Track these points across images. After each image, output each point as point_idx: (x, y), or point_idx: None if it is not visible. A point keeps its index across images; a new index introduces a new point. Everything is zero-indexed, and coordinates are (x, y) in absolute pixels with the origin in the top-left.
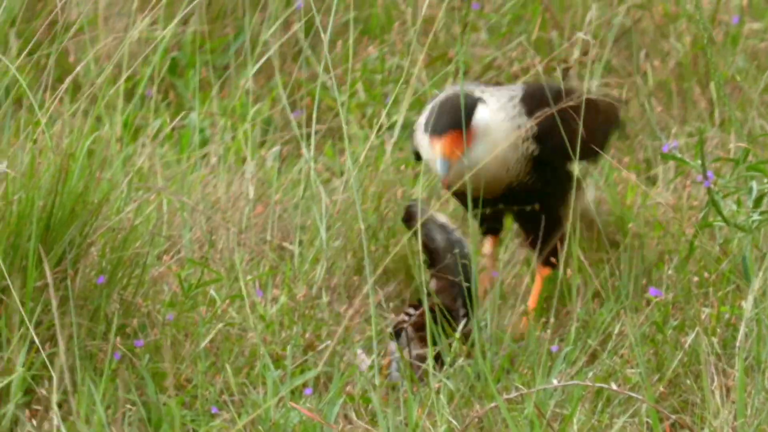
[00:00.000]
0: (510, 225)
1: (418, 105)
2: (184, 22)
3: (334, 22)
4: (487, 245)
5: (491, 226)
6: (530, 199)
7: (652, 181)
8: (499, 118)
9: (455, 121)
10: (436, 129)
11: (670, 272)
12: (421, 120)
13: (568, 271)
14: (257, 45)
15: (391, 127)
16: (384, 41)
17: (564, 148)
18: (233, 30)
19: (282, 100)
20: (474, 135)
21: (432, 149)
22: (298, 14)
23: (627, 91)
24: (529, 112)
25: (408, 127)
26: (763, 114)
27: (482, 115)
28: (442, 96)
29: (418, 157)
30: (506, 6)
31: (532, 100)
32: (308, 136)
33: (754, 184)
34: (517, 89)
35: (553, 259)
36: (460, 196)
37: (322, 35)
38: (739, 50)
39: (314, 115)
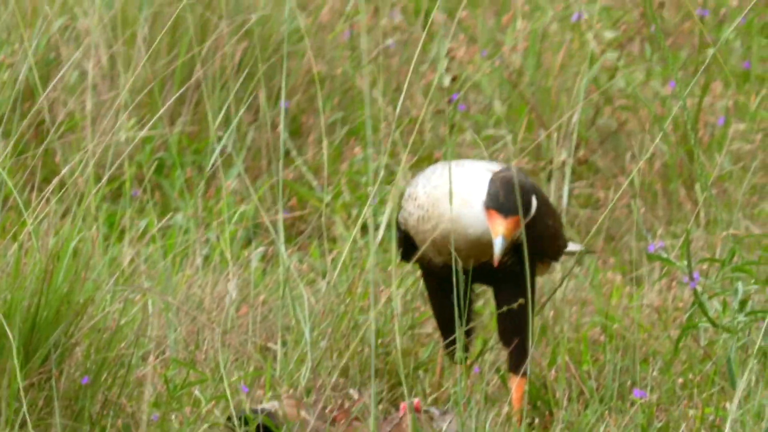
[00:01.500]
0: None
1: None
2: (171, 122)
3: (321, 122)
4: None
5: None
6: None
7: (637, 282)
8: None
9: (523, 206)
10: (503, 208)
11: (654, 373)
12: (412, 190)
13: (552, 373)
14: (243, 145)
15: (376, 228)
16: (370, 143)
17: (543, 240)
18: (220, 130)
19: (268, 200)
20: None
21: (492, 225)
22: (285, 114)
23: (612, 191)
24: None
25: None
26: (748, 215)
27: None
28: (504, 173)
29: (404, 239)
30: (492, 107)
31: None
32: (295, 236)
33: (739, 285)
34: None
35: (525, 370)
36: (442, 268)
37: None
38: (724, 151)
39: (278, 215)
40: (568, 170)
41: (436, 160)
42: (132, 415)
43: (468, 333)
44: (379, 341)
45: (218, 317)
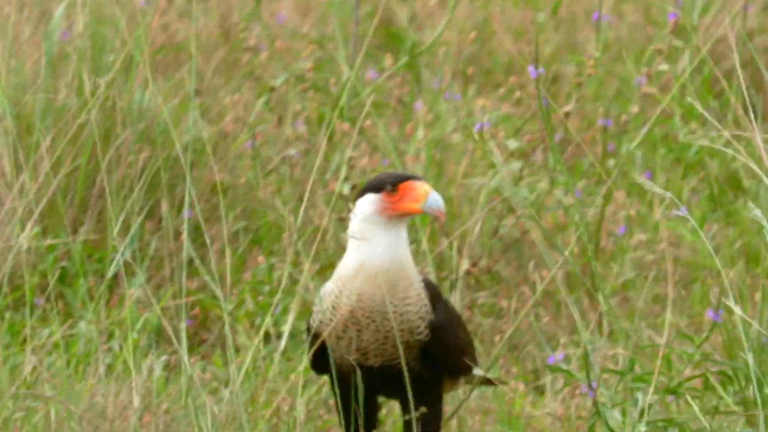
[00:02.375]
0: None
1: (305, 314)
2: (74, 231)
3: (224, 231)
4: None
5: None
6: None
7: (540, 391)
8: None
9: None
10: (403, 177)
11: None
12: (322, 291)
13: None
14: (147, 254)
15: (279, 337)
16: (273, 252)
17: (451, 351)
18: (122, 239)
19: (171, 309)
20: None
21: (416, 188)
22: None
23: (515, 301)
24: (431, 299)
25: (296, 336)
26: (650, 324)
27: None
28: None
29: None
30: None
31: (431, 290)
32: (198, 344)
33: (639, 395)
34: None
35: None
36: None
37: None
38: (626, 261)
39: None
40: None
41: None
42: None
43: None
44: None
45: (121, 426)
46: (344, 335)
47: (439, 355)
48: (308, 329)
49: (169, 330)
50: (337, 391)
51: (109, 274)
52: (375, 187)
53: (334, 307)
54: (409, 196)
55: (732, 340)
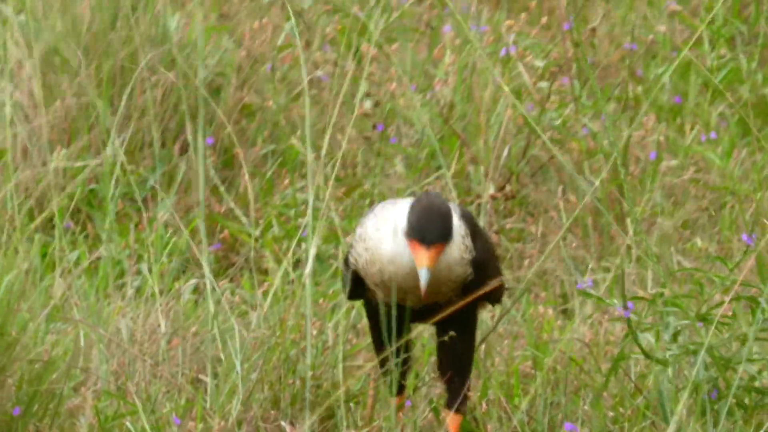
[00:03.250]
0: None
1: (332, 239)
2: (103, 152)
3: (252, 155)
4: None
5: (398, 379)
6: (447, 325)
7: (568, 316)
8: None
9: (443, 233)
10: (424, 238)
11: (585, 407)
12: (361, 231)
13: (483, 405)
14: (175, 177)
15: (306, 260)
16: (301, 175)
17: (490, 282)
18: (151, 162)
19: (199, 233)
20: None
21: (416, 256)
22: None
23: (543, 226)
24: (471, 235)
25: (323, 260)
26: (680, 250)
27: (456, 225)
28: (422, 201)
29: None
30: (423, 140)
31: (469, 223)
32: (227, 268)
33: (671, 319)
34: (453, 206)
35: (462, 408)
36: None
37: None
38: (656, 186)
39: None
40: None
41: (365, 192)
42: None
43: (405, 363)
44: (311, 374)
45: (149, 349)
46: (382, 284)
47: (479, 287)
48: (346, 262)
49: (198, 253)
50: (371, 319)
51: (142, 197)
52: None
53: (368, 261)
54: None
55: (765, 265)
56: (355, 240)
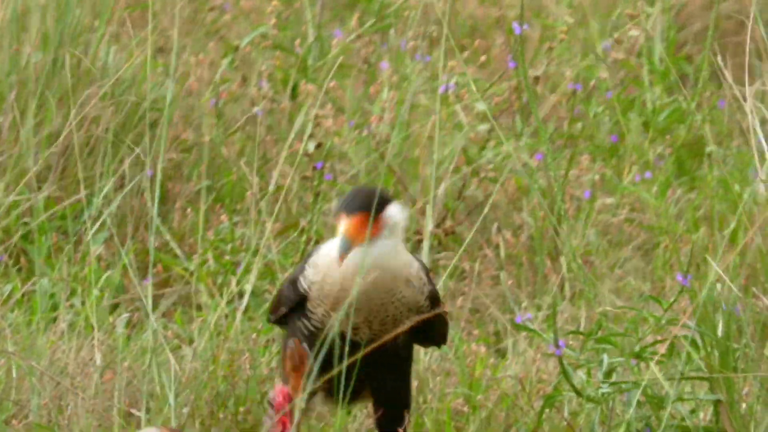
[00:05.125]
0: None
1: (268, 275)
2: (38, 187)
3: (186, 190)
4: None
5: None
6: (385, 358)
7: (501, 353)
8: (403, 250)
9: (367, 204)
10: (347, 208)
11: None
12: (314, 257)
13: None
14: (109, 211)
15: (240, 296)
16: (236, 210)
17: (439, 321)
18: (86, 197)
19: (132, 267)
20: (381, 226)
21: (337, 227)
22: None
23: (478, 263)
24: (425, 272)
25: (258, 295)
26: (613, 289)
27: (395, 211)
28: (320, 249)
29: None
30: (359, 176)
31: (422, 264)
32: (156, 304)
33: (604, 356)
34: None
35: None
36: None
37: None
38: (590, 225)
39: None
40: (431, 242)
41: (302, 229)
42: None
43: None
44: (241, 408)
45: (82, 383)
46: (336, 304)
47: (431, 325)
48: (294, 282)
49: (135, 286)
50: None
51: (76, 230)
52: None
53: (325, 288)
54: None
55: (702, 305)
56: (307, 265)
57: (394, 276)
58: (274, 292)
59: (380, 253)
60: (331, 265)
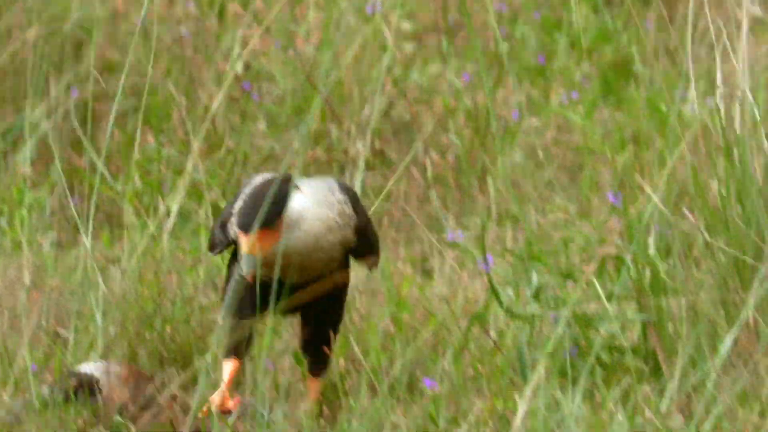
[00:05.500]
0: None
1: (195, 195)
2: None
3: (114, 110)
4: (228, 370)
5: (239, 344)
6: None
7: (428, 274)
8: (316, 205)
9: (265, 217)
10: (244, 226)
11: (445, 365)
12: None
13: (341, 362)
14: (35, 131)
15: (168, 215)
16: (162, 131)
17: (371, 246)
18: (12, 116)
19: (59, 187)
20: (287, 225)
21: (240, 243)
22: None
23: (405, 184)
24: (352, 203)
25: (185, 216)
26: (539, 209)
27: (297, 204)
28: (253, 182)
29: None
30: (286, 98)
31: (348, 192)
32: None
33: (534, 274)
34: (330, 181)
35: (325, 373)
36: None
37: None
38: (517, 146)
39: (92, 202)
40: (361, 162)
41: (228, 149)
42: None
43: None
44: (168, 328)
45: (9, 301)
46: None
47: (361, 251)
48: (223, 226)
49: (71, 206)
50: (235, 286)
51: None
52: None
53: None
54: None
55: (629, 225)
56: (231, 213)
57: (315, 237)
58: (211, 227)
59: (292, 237)
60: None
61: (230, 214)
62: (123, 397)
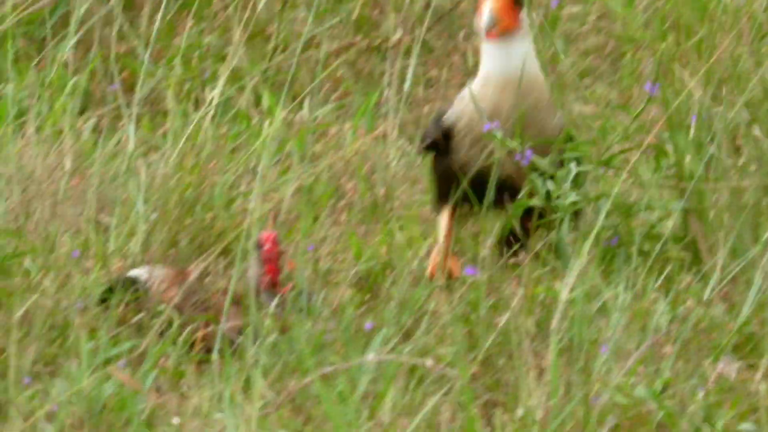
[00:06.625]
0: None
1: (235, 81)
2: None
3: None
4: (445, 219)
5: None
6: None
7: None
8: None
9: None
10: None
11: (486, 251)
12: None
13: (383, 250)
14: (76, 17)
15: (209, 102)
16: (203, 17)
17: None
18: (52, 2)
19: (101, 73)
20: (520, 20)
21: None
22: None
23: (447, 71)
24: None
25: (226, 104)
26: (582, 97)
27: (535, 65)
28: None
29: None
30: None
31: None
32: (126, 109)
33: (572, 165)
34: None
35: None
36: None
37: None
38: (558, 34)
39: (137, 88)
40: (402, 50)
41: (269, 36)
42: None
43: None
44: (209, 215)
45: (50, 188)
46: (477, 144)
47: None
48: (437, 119)
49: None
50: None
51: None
52: None
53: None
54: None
55: (669, 113)
56: (456, 100)
57: (538, 79)
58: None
59: (525, 52)
60: (481, 90)
61: (446, 107)
62: (173, 298)
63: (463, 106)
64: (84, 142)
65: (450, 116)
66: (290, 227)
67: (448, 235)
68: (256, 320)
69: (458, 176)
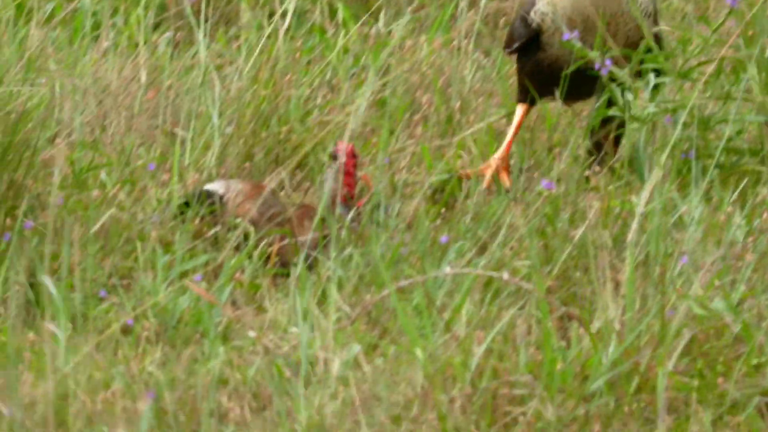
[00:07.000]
0: None
1: None
2: None
3: None
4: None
5: (541, 89)
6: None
7: None
8: None
9: None
10: None
11: (562, 166)
12: None
13: (460, 163)
14: None
15: (283, 15)
16: None
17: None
18: None
19: None
20: None
21: None
22: None
23: None
24: None
25: (301, 16)
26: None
27: None
28: None
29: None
30: None
31: None
32: (202, 22)
33: (651, 76)
34: None
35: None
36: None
37: None
38: None
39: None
40: None
41: None
42: (37, 196)
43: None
44: (284, 128)
45: (126, 101)
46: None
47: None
48: (524, 18)
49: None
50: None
51: None
52: None
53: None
54: None
55: (748, 26)
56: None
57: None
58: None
59: None
60: None
61: (532, 4)
62: (249, 212)
63: (542, 8)
64: (159, 56)
65: (537, 13)
66: (366, 140)
67: (511, 140)
68: (332, 233)
69: (547, 73)
